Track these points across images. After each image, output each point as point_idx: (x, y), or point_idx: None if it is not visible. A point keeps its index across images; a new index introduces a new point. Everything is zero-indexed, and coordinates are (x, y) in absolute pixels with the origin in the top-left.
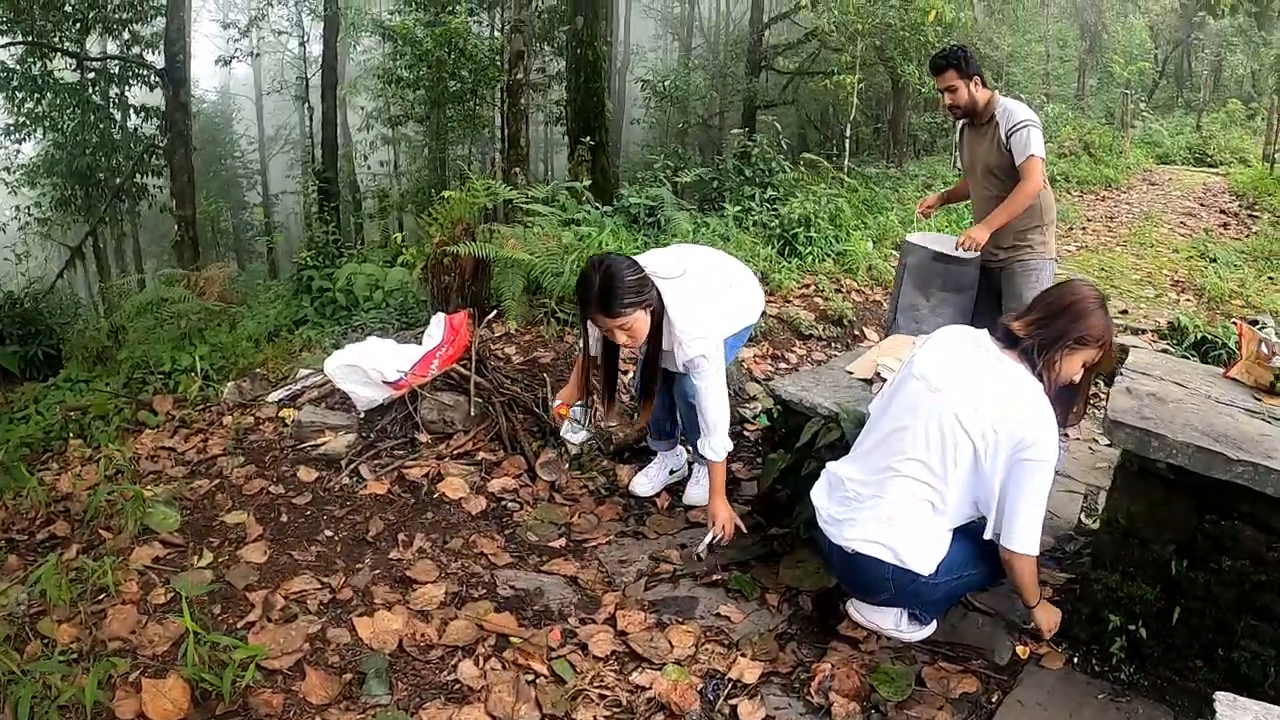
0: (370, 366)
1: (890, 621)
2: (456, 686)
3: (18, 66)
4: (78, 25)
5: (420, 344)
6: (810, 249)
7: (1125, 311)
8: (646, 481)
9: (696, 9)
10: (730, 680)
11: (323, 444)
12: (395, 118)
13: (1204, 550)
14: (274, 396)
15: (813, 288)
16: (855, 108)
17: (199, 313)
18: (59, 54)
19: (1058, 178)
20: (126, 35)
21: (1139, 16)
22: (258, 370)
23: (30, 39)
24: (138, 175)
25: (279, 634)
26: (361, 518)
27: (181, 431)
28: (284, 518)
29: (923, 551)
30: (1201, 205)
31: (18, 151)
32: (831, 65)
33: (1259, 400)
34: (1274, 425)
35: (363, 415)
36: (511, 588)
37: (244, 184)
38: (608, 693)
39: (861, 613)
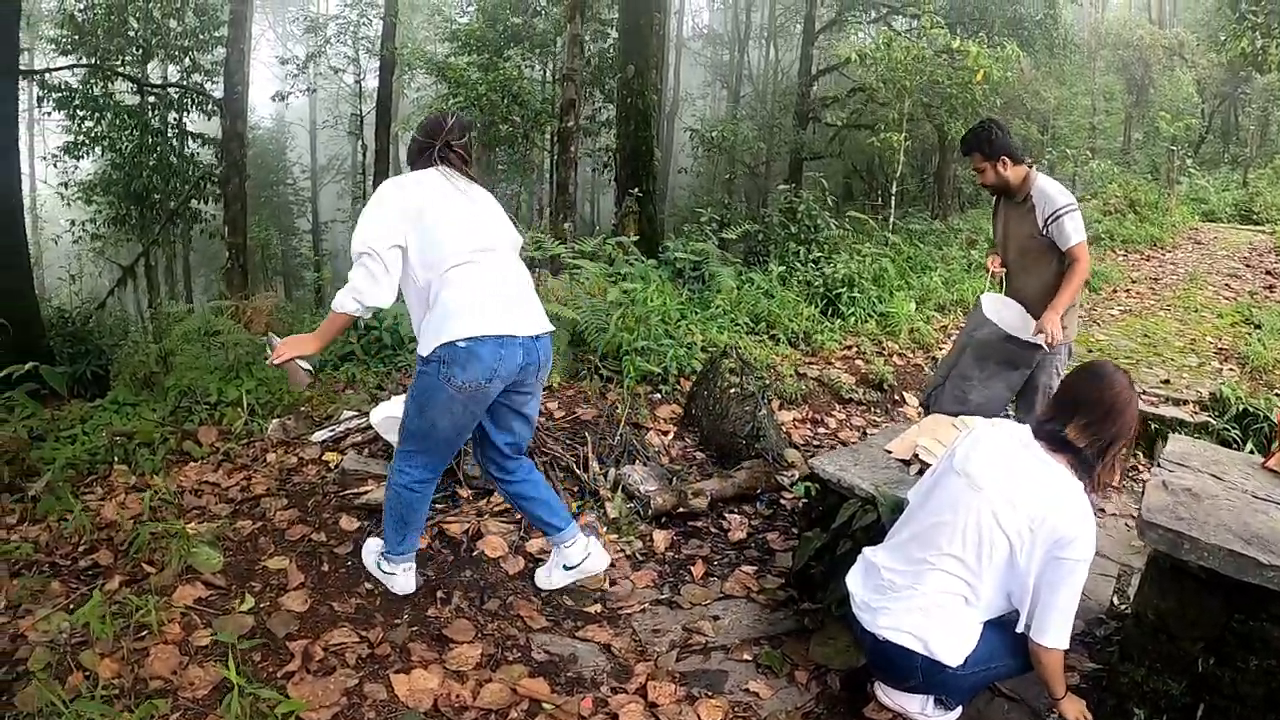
0: None
1: (917, 706)
2: None
3: (79, 87)
4: (140, 50)
5: None
6: (853, 310)
7: (1167, 381)
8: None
9: (746, 57)
10: None
11: (365, 493)
12: None
13: (1232, 649)
14: (318, 437)
15: (854, 349)
16: (901, 163)
17: (247, 345)
18: (119, 78)
19: (1102, 235)
20: (187, 62)
21: (1186, 71)
22: (302, 408)
23: (93, 62)
24: (192, 200)
25: (318, 686)
26: None
27: (225, 466)
28: (325, 566)
29: (953, 644)
30: (1247, 266)
31: (75, 168)
32: (878, 119)
33: None
34: None
35: None
36: (546, 652)
37: (295, 211)
38: None
39: (890, 696)
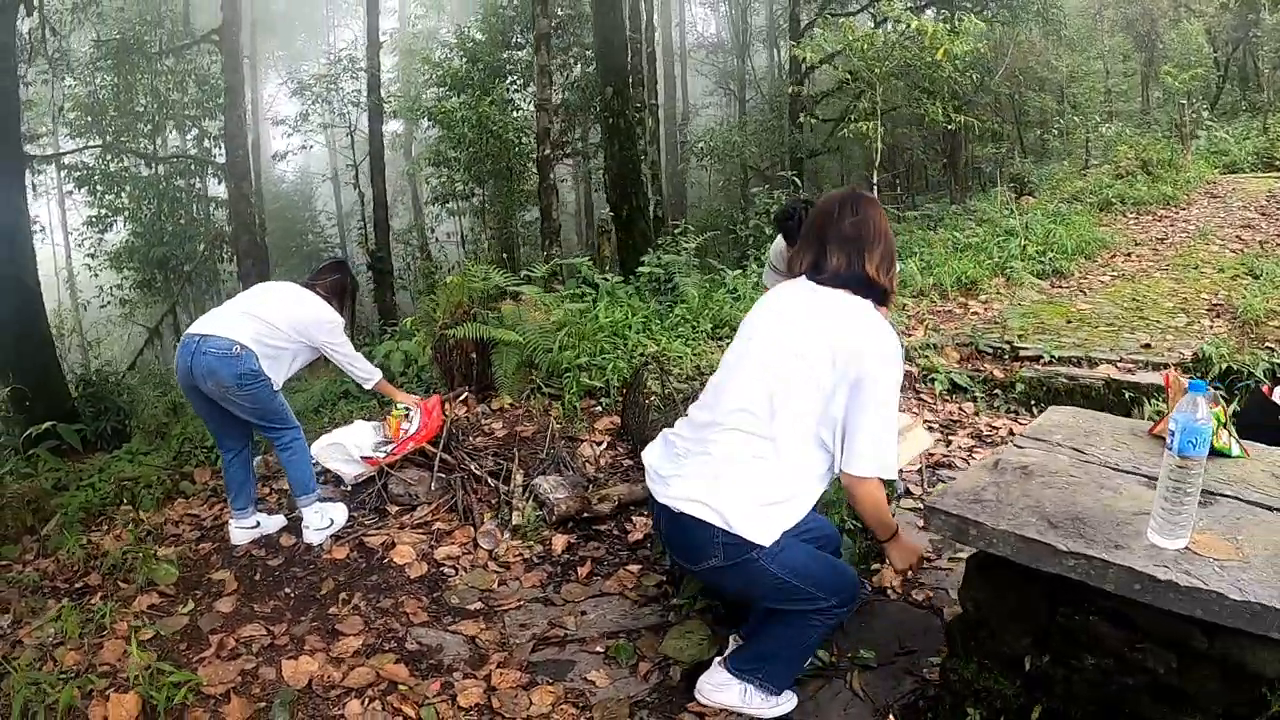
0: (351, 444)
1: (735, 698)
2: (340, 719)
3: (97, 164)
4: (149, 125)
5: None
6: None
7: (1148, 345)
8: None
9: (748, 62)
10: None
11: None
12: (444, 195)
13: (1061, 646)
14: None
15: None
16: (880, 153)
17: None
18: (130, 154)
19: (1113, 200)
20: (195, 131)
21: (1193, 21)
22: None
23: (105, 140)
24: (210, 260)
25: (221, 668)
26: (318, 578)
27: (210, 500)
28: (257, 576)
29: (753, 515)
30: (1263, 215)
31: (100, 240)
32: (856, 111)
33: None
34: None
35: (349, 489)
36: (419, 643)
37: (323, 258)
38: None
39: (706, 695)
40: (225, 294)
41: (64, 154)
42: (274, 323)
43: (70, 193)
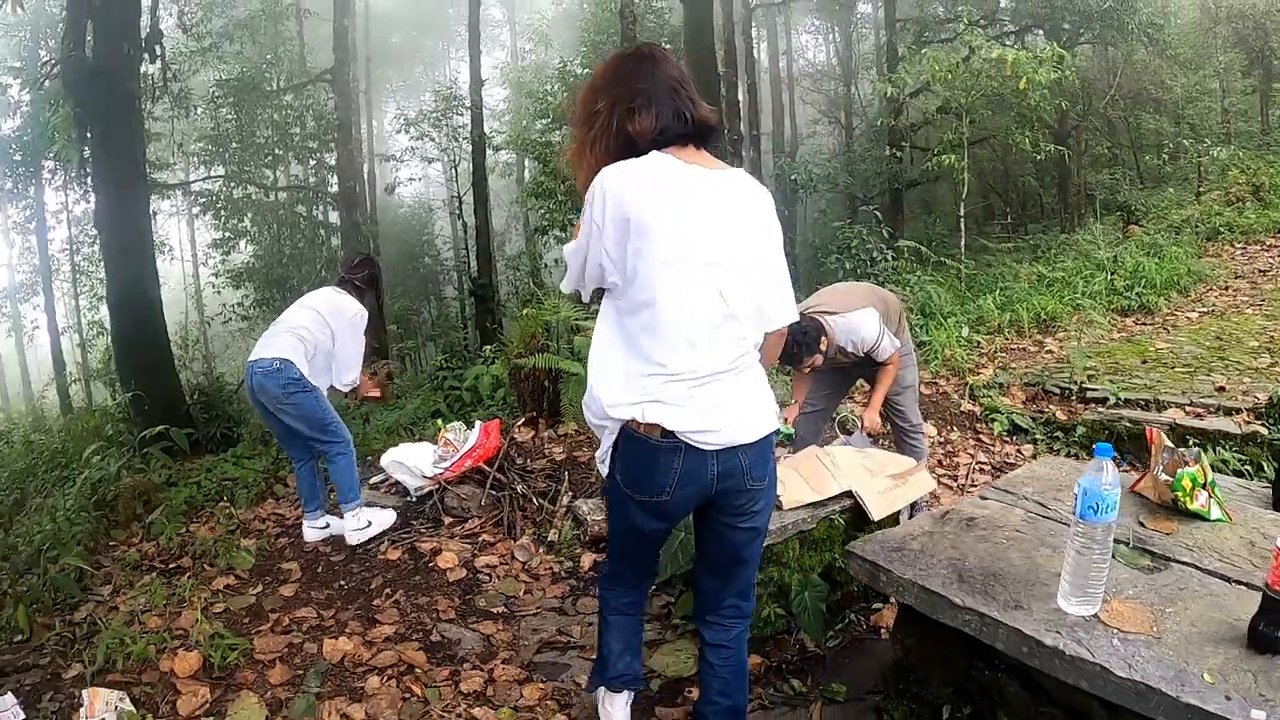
0: (413, 463)
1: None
2: (360, 690)
3: (220, 191)
4: (269, 156)
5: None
6: None
7: (1222, 389)
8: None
9: (855, 90)
10: None
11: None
12: (541, 226)
13: (978, 700)
14: (373, 480)
15: None
16: (967, 185)
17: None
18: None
19: (1220, 230)
20: (314, 162)
21: None
22: (369, 458)
23: (228, 170)
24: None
25: (273, 640)
26: (371, 574)
27: (296, 503)
28: (319, 568)
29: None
30: None
31: (223, 260)
32: (941, 141)
33: (1143, 524)
34: (1111, 561)
35: (414, 499)
36: (442, 636)
37: (441, 280)
38: (448, 715)
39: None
40: None
41: (191, 182)
42: (315, 307)
43: (197, 216)
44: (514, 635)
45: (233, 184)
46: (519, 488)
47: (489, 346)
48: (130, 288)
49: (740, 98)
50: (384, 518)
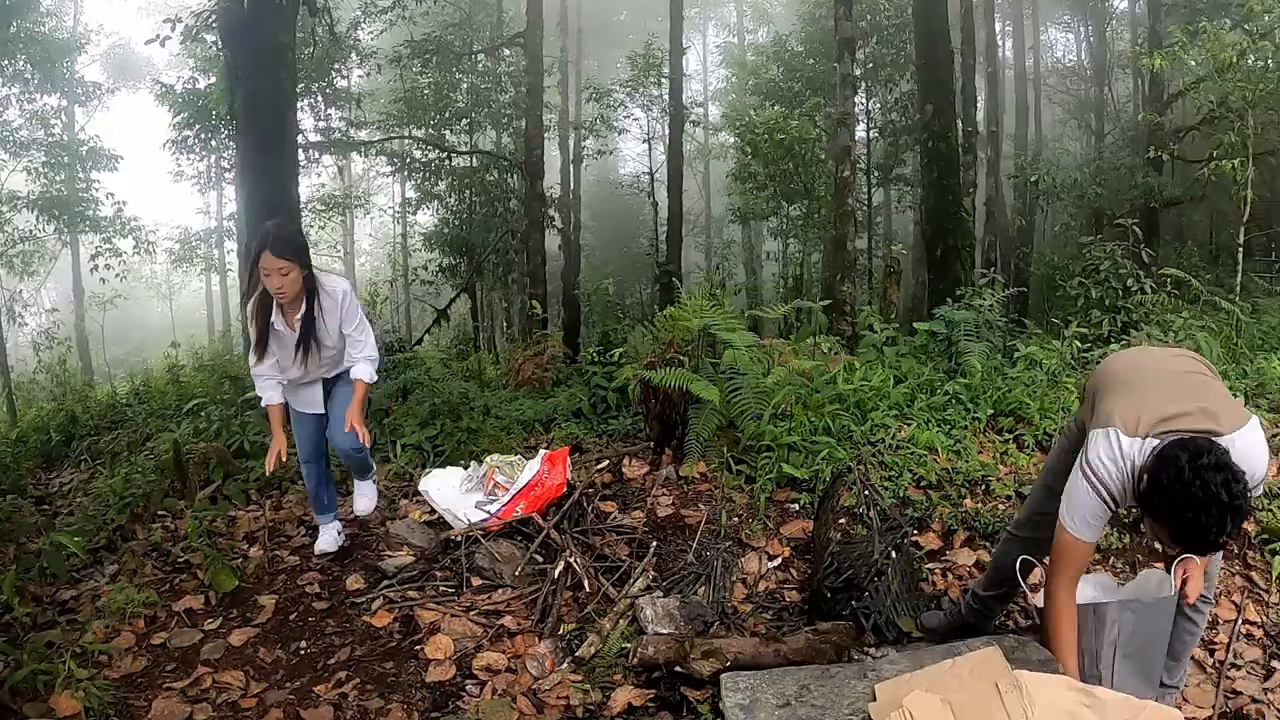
0: (444, 500)
1: None
2: None
3: (418, 154)
4: (465, 121)
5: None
6: None
7: None
8: (331, 542)
9: (1109, 91)
10: None
11: (390, 558)
12: (744, 213)
13: None
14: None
15: None
16: (1249, 203)
17: (455, 393)
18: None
19: None
20: (511, 130)
21: None
22: (461, 460)
23: (421, 134)
24: (507, 252)
25: (171, 707)
26: (341, 643)
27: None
28: (293, 616)
29: None
30: None
31: (414, 223)
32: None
33: None
34: None
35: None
36: None
37: (646, 261)
38: None
39: None
40: (514, 288)
41: (374, 142)
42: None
43: (394, 176)
44: None
45: (426, 147)
46: (575, 559)
47: (619, 349)
48: None
49: (979, 86)
50: (322, 540)
